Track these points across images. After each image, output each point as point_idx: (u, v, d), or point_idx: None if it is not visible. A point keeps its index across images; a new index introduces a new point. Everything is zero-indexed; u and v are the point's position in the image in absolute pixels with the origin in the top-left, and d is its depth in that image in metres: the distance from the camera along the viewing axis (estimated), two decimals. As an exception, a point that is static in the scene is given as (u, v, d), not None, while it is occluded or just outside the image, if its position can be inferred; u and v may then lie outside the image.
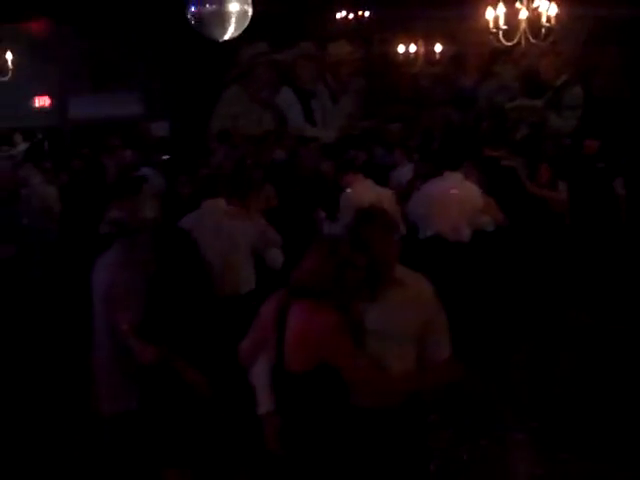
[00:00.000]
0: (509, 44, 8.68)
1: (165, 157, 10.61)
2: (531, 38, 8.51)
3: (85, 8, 13.80)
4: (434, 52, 14.17)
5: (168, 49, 15.32)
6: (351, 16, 14.75)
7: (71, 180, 9.45)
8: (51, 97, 16.57)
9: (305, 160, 10.00)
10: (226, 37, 7.06)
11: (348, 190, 7.51)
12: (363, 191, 7.38)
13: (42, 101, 16.75)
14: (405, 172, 9.73)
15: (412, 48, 14.26)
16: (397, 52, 14.37)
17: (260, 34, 13.90)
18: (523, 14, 8.49)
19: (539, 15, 8.34)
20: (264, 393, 3.64)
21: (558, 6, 8.43)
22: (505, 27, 8.58)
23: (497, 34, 8.62)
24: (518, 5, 8.61)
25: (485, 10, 8.77)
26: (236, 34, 7.14)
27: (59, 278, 7.56)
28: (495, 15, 8.59)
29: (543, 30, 8.32)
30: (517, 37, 8.45)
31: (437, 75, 15.34)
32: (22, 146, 15.37)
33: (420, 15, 14.11)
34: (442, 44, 14.16)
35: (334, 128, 15.23)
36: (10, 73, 11.95)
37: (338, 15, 14.86)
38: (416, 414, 3.79)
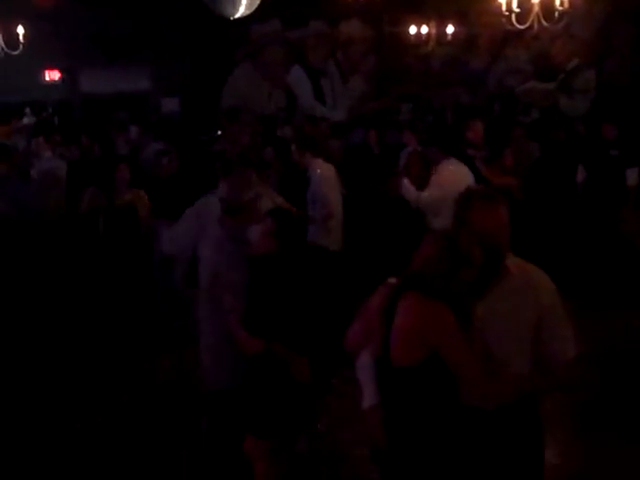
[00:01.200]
0: (521, 27, 8.60)
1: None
2: (544, 21, 8.43)
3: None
4: (446, 33, 14.09)
5: (180, 25, 15.28)
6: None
7: (81, 155, 9.42)
8: (62, 71, 16.55)
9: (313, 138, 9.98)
10: (237, 15, 7.03)
11: (449, 166, 7.16)
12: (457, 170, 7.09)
13: (52, 75, 16.74)
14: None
15: (424, 29, 14.18)
16: (408, 32, 14.30)
17: (272, 12, 13.86)
18: None
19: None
20: (368, 387, 3.51)
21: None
22: (518, 10, 8.50)
23: (510, 17, 8.54)
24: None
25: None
26: (247, 13, 7.11)
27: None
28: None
29: (556, 14, 8.23)
30: (530, 20, 8.36)
31: (448, 56, 15.28)
32: (30, 119, 15.40)
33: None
34: (454, 25, 14.08)
35: (344, 107, 15.18)
36: (21, 47, 11.91)
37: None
38: (529, 415, 3.51)
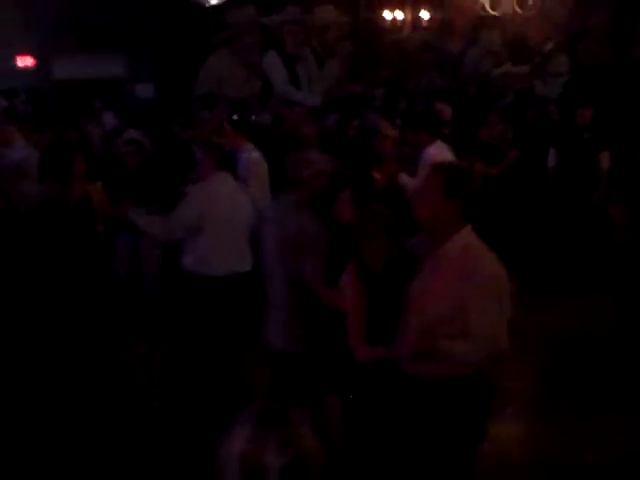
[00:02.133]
0: (495, 14, 8.60)
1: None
2: (517, 8, 8.43)
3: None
4: (420, 18, 14.12)
5: (155, 10, 15.17)
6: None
7: (53, 144, 9.27)
8: (34, 57, 16.37)
9: (289, 123, 9.95)
10: (213, 2, 6.99)
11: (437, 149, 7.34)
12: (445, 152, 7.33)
13: (25, 61, 16.54)
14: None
15: (399, 15, 14.19)
16: (384, 18, 14.31)
17: (248, -2, 13.87)
18: None
19: None
20: None
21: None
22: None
23: (483, 4, 8.54)
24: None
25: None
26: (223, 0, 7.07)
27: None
28: None
29: (530, 1, 8.23)
30: (503, 8, 8.36)
31: (423, 40, 15.29)
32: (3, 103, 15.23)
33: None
34: (429, 10, 14.11)
35: (320, 92, 15.15)
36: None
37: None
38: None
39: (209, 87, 14.56)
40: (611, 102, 11.48)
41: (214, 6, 6.96)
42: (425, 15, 13.84)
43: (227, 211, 6.18)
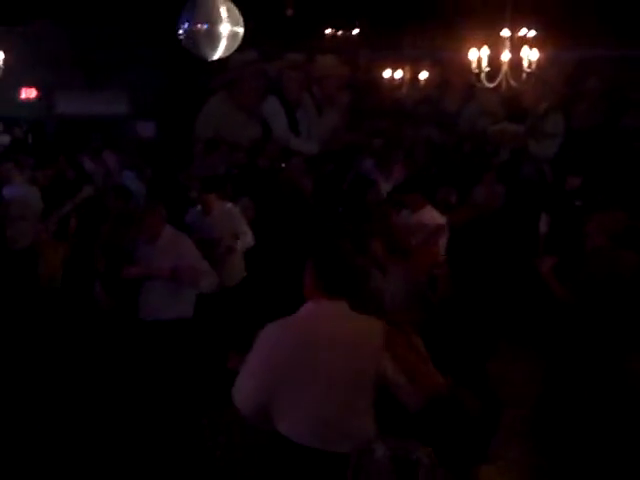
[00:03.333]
0: (490, 85, 8.81)
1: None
2: (512, 81, 8.64)
3: (79, 6, 13.86)
4: (418, 79, 14.38)
5: (158, 50, 15.40)
6: (340, 33, 14.99)
7: (54, 181, 9.34)
8: (38, 89, 16.53)
9: (289, 174, 10.07)
10: (215, 57, 7.19)
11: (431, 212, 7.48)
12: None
13: (28, 93, 16.69)
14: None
15: (398, 74, 14.44)
16: (382, 75, 14.57)
17: (250, 43, 14.04)
18: (505, 56, 8.57)
19: (521, 59, 8.46)
20: None
21: (539, 51, 8.54)
22: (488, 69, 8.68)
23: (479, 74, 8.73)
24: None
25: (470, 48, 8.86)
26: (226, 54, 7.28)
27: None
28: (478, 57, 8.67)
29: (524, 75, 8.45)
30: (498, 79, 8.58)
31: (421, 94, 15.54)
32: (3, 137, 15.36)
33: (408, 39, 14.38)
34: (427, 66, 14.37)
35: (318, 140, 15.38)
36: (1, 72, 11.87)
37: (327, 31, 15.12)
38: None
39: (207, 130, 14.78)
40: (602, 167, 11.68)
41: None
42: (423, 75, 14.10)
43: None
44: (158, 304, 6.13)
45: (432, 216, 7.39)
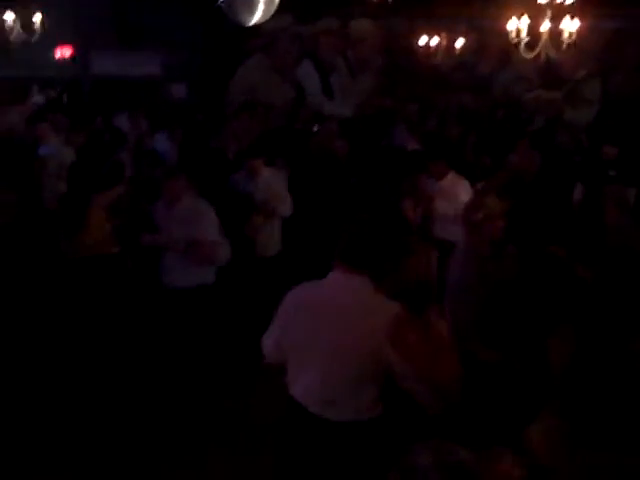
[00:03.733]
0: (529, 56, 8.69)
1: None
2: (552, 52, 8.50)
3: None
4: (454, 47, 14.19)
5: (194, 12, 15.37)
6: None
7: (89, 143, 9.28)
8: (73, 49, 16.56)
9: (321, 138, 10.03)
10: (253, 23, 7.20)
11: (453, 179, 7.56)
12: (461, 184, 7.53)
13: (63, 52, 16.73)
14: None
15: (434, 41, 14.26)
16: (418, 42, 14.40)
17: (285, 7, 13.96)
18: (545, 26, 8.44)
19: (560, 30, 8.31)
20: None
21: (580, 21, 8.39)
22: (527, 39, 8.57)
23: (518, 44, 8.61)
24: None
25: (508, 16, 8.74)
26: (263, 20, 7.28)
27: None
28: (517, 27, 8.55)
29: (564, 45, 8.31)
30: (538, 49, 8.45)
31: (456, 60, 15.35)
32: (38, 98, 15.42)
33: (445, 6, 14.18)
34: (463, 33, 14.15)
35: (351, 104, 15.31)
36: (38, 34, 11.90)
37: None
38: None
39: (242, 92, 14.76)
40: (639, 135, 11.50)
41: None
42: (460, 42, 13.89)
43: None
44: (178, 271, 6.12)
45: (456, 183, 7.41)
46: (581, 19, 8.39)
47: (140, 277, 6.48)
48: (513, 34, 8.61)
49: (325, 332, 3.45)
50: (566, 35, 8.23)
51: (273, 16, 14.62)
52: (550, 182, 9.55)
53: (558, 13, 8.36)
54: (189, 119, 11.73)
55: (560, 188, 9.48)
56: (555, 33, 8.27)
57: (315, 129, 10.76)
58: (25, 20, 11.67)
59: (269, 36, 15.24)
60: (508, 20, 8.73)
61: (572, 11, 8.39)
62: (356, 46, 15.69)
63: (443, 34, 14.19)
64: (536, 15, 8.46)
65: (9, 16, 11.62)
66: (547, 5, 8.35)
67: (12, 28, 11.33)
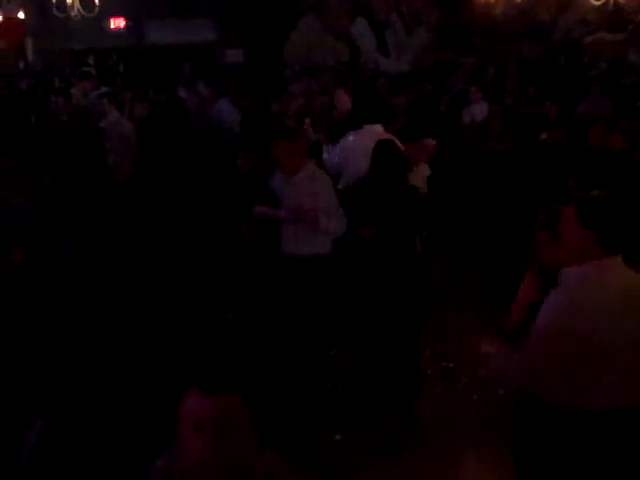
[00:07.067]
0: (597, 3, 8.39)
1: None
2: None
3: None
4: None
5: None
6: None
7: (150, 116, 9.16)
8: (127, 19, 16.65)
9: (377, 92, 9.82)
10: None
11: None
12: None
13: (117, 22, 16.84)
14: (479, 110, 9.71)
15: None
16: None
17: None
18: None
19: None
20: None
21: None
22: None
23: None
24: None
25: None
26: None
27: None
28: None
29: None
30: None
31: (515, 9, 15.00)
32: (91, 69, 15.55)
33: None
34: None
35: (407, 59, 15.13)
36: (96, 10, 11.96)
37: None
38: None
39: (298, 54, 14.69)
40: None
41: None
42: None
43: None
44: (294, 239, 6.09)
45: None
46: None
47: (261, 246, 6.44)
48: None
49: None
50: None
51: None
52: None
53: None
54: (248, 84, 11.70)
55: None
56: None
57: None
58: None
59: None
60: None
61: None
62: (410, 1, 15.44)
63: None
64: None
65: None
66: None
67: (72, 5, 11.41)
